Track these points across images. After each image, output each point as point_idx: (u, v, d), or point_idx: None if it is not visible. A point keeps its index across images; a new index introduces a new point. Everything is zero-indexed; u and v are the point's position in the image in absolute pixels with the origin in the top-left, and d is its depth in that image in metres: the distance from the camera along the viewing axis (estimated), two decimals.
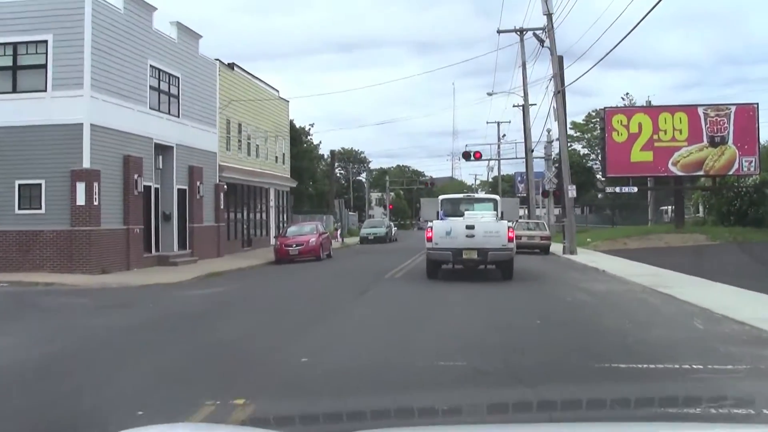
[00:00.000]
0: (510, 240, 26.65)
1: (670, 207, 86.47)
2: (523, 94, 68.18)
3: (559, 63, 45.25)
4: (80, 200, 31.67)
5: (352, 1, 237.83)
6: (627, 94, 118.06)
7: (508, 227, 26.81)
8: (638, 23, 31.36)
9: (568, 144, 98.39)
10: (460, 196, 32.63)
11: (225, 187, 47.10)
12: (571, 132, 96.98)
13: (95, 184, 32.00)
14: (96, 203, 32.05)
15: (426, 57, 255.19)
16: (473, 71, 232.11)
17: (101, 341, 14.63)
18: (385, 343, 13.63)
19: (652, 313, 18.20)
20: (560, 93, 44.72)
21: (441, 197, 30.93)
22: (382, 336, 14.52)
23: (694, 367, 10.90)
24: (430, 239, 27.02)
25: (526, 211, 70.64)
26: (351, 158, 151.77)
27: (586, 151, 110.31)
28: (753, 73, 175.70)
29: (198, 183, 42.25)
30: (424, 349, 12.79)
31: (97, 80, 32.58)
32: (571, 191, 44.33)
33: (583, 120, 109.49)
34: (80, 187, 31.66)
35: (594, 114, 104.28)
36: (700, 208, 68.26)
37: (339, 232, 72.77)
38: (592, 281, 26.91)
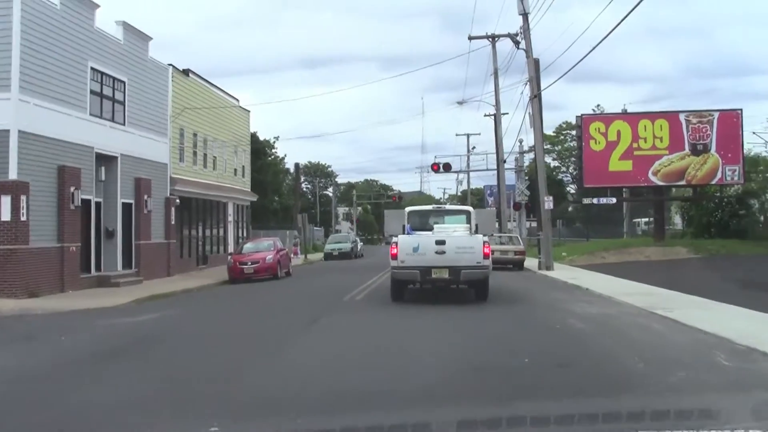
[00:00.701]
0: (486, 256, 23.69)
1: (643, 219, 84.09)
2: (495, 103, 65.49)
3: (535, 66, 42.41)
4: (5, 215, 28.35)
5: (320, 18, 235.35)
6: (598, 105, 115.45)
7: (484, 242, 23.84)
8: (606, 36, 29.62)
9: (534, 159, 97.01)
10: (429, 207, 29.84)
11: (177, 201, 43.82)
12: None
13: (23, 198, 28.68)
14: (24, 219, 28.73)
15: (395, 72, 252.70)
16: (443, 85, 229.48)
17: None
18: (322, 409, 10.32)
19: (661, 345, 15.13)
20: (537, 97, 41.87)
21: (408, 209, 27.95)
22: (321, 393, 11.07)
23: None
24: (394, 257, 24.00)
25: (497, 225, 67.67)
26: (318, 172, 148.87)
27: (556, 163, 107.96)
28: (721, 86, 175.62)
29: (146, 197, 38.92)
30: (370, 405, 9.71)
31: (28, 82, 29.30)
32: (548, 202, 41.50)
33: (554, 132, 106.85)
34: (5, 201, 28.32)
35: (565, 126, 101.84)
36: (679, 220, 65.43)
37: (298, 248, 69.57)
38: (578, 302, 23.91)
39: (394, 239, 24.57)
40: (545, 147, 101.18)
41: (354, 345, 15.82)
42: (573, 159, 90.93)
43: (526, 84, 44.30)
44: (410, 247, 23.83)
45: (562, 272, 38.72)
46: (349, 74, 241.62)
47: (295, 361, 13.79)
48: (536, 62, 42.87)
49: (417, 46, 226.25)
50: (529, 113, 43.04)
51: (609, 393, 10.23)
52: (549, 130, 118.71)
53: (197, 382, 11.90)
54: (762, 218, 57.76)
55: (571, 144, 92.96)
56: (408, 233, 25.04)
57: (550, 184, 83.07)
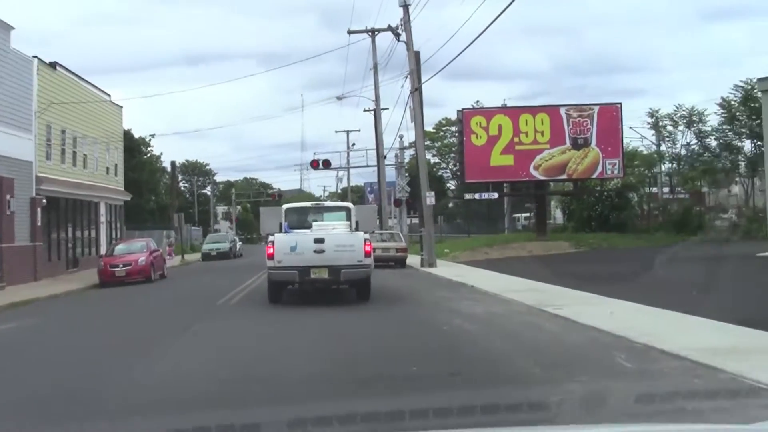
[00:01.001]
0: (367, 254, 22.74)
1: (522, 214, 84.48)
2: (374, 98, 64.52)
3: (415, 58, 41.53)
4: None
5: (198, 15, 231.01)
6: (477, 101, 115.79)
7: (365, 240, 22.87)
8: (482, 32, 29.33)
9: (415, 155, 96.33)
10: (308, 204, 28.68)
11: (44, 201, 41.54)
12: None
13: None
14: None
15: (274, 70, 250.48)
16: (323, 83, 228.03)
17: None
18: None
19: (556, 345, 14.27)
20: (417, 90, 40.99)
21: (285, 206, 26.85)
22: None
23: None
24: (271, 256, 22.78)
25: (378, 222, 66.78)
26: (196, 171, 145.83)
27: (436, 159, 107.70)
28: (593, 83, 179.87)
29: (8, 197, 36.67)
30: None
31: None
32: (430, 198, 40.70)
33: (434, 128, 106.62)
34: None
35: (445, 122, 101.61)
36: (560, 214, 65.70)
37: (172, 248, 67.53)
38: (464, 300, 23.04)
39: (271, 238, 23.46)
40: (426, 143, 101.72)
41: (222, 356, 14.50)
42: (453, 155, 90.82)
43: (406, 77, 43.43)
44: (287, 246, 22.73)
45: (446, 269, 37.95)
46: (229, 72, 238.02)
47: (161, 378, 12.42)
48: (417, 55, 42.00)
49: (297, 43, 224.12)
50: (410, 107, 42.16)
51: (509, 409, 9.12)
52: (429, 127, 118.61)
53: (46, 405, 10.49)
54: (640, 211, 58.17)
55: (451, 140, 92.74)
56: (285, 232, 23.95)
57: (430, 180, 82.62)
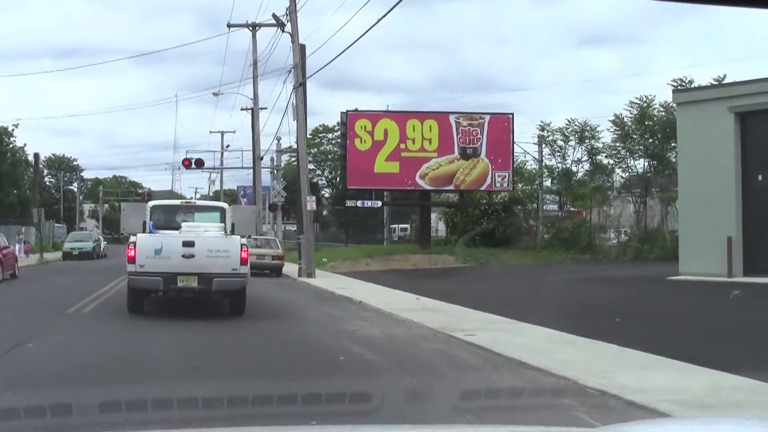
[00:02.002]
0: (243, 262, 20.33)
1: (399, 225, 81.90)
2: (253, 96, 61.17)
3: (301, 52, 38.37)
4: None
5: (73, 8, 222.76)
6: (356, 109, 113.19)
7: (242, 245, 20.47)
8: (358, 39, 27.88)
9: (292, 159, 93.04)
10: (177, 202, 26.75)
11: None
12: (295, 146, 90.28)
13: None
14: None
15: (148, 68, 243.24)
16: (199, 84, 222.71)
17: None
18: None
19: (490, 389, 11.18)
20: (302, 86, 37.85)
21: (151, 203, 23.68)
22: None
23: None
24: (132, 260, 20.08)
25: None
26: (63, 166, 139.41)
27: (312, 166, 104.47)
28: (467, 100, 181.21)
29: None
30: None
31: None
32: (310, 203, 37.66)
33: (310, 135, 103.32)
34: None
35: (321, 129, 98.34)
36: (442, 226, 63.00)
37: (28, 246, 62.81)
38: (355, 319, 19.98)
39: (133, 239, 20.59)
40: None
41: (46, 383, 11.06)
42: (329, 163, 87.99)
43: (289, 72, 40.35)
44: (151, 248, 20.12)
45: (327, 280, 34.96)
46: (103, 67, 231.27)
47: None
48: (302, 48, 38.84)
49: (173, 42, 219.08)
50: (293, 104, 38.97)
51: None
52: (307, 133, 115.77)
53: None
54: (527, 227, 56.06)
55: (327, 147, 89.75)
56: (150, 232, 20.98)
57: None
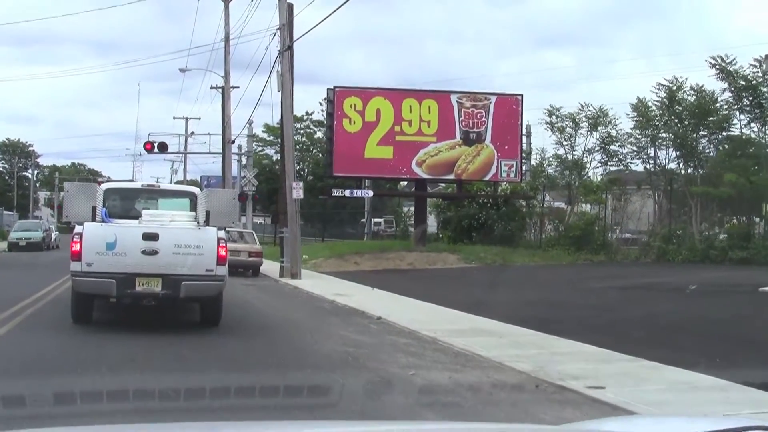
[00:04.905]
0: (221, 261, 15.94)
1: (375, 219, 76.10)
2: (224, 73, 55.10)
3: (288, 11, 32.41)
4: None
5: None
6: (320, 102, 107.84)
7: (219, 240, 16.07)
8: (311, 29, 23.75)
9: (260, 148, 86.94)
10: (137, 185, 21.65)
11: None
12: (264, 136, 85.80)
13: None
14: None
15: (107, 58, 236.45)
16: (162, 75, 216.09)
17: None
18: None
19: None
20: (289, 50, 31.79)
21: (104, 185, 19.23)
22: None
23: None
24: (77, 255, 15.55)
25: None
26: (17, 151, 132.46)
27: (279, 156, 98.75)
28: None
29: None
30: None
31: None
32: (297, 189, 31.73)
33: (277, 123, 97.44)
34: None
35: (293, 118, 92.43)
36: (433, 221, 56.87)
37: None
38: (392, 351, 13.73)
39: (78, 229, 16.01)
40: (269, 139, 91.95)
41: None
42: (297, 153, 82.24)
43: (274, 35, 34.12)
44: (102, 241, 15.69)
45: (316, 283, 29.18)
46: (59, 57, 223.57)
47: None
48: (290, 7, 32.88)
49: (134, 32, 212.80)
50: (278, 72, 32.87)
51: None
52: (275, 123, 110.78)
53: None
54: (532, 224, 50.28)
55: (296, 137, 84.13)
56: (102, 221, 16.62)
57: (273, 178, 73.50)
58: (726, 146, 44.90)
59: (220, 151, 58.82)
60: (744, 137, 44.47)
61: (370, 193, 46.84)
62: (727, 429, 3.17)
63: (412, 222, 51.12)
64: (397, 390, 10.32)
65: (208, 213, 17.09)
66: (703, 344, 14.22)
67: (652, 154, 47.52)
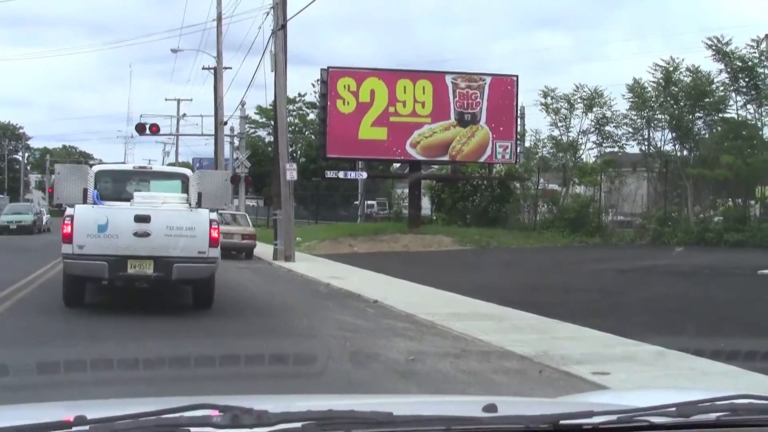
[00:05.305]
0: (213, 243, 15.94)
1: (367, 201, 75.79)
2: (216, 54, 54.83)
3: None
4: None
5: None
6: (313, 84, 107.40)
7: (211, 221, 16.10)
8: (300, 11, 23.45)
9: (253, 130, 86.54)
10: (129, 167, 22.23)
11: None
12: (256, 117, 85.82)
13: None
14: None
15: (99, 38, 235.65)
16: (154, 57, 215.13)
17: None
18: None
19: None
20: (283, 29, 31.37)
21: (96, 168, 19.75)
22: None
23: None
24: (68, 238, 15.54)
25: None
26: (8, 133, 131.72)
27: (272, 138, 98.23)
28: None
29: None
30: None
31: None
32: (290, 171, 31.33)
33: (270, 105, 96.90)
34: None
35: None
36: (427, 203, 56.56)
37: None
38: (390, 335, 13.44)
39: (70, 211, 16.05)
40: (261, 120, 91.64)
41: None
42: (290, 135, 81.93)
43: (267, 14, 33.72)
44: (94, 224, 15.66)
45: (310, 265, 28.87)
46: (51, 38, 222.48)
47: None
48: None
49: (126, 13, 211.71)
50: (271, 51, 32.47)
51: None
52: (267, 105, 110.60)
53: None
54: (526, 206, 50.02)
55: (288, 120, 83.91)
56: (94, 203, 16.63)
57: (265, 160, 73.25)
58: (719, 128, 44.72)
59: (213, 132, 58.66)
60: (740, 119, 44.25)
61: (364, 175, 46.49)
62: (716, 397, 3.08)
63: (406, 204, 50.90)
64: (397, 377, 10.06)
65: (200, 195, 17.04)
66: (707, 328, 13.92)
67: (647, 136, 47.31)
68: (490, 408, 2.98)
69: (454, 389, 9.37)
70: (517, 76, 43.79)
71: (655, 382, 9.72)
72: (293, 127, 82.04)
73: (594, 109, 47.88)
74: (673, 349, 11.53)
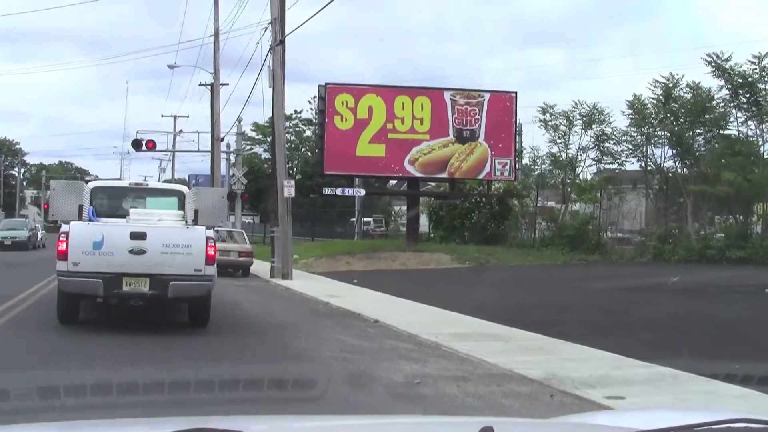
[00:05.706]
0: (210, 261, 15.78)
1: (364, 218, 75.58)
2: (213, 70, 54.47)
3: (280, 4, 31.70)
4: None
5: None
6: (309, 101, 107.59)
7: (207, 239, 15.90)
8: (298, 27, 23.86)
9: (249, 147, 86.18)
10: (124, 184, 22.41)
11: None
12: (253, 134, 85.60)
13: None
14: None
15: (96, 55, 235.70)
16: (150, 73, 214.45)
17: None
18: None
19: None
20: (281, 44, 31.10)
21: (92, 184, 18.90)
22: None
23: None
24: (63, 255, 15.31)
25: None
26: (4, 149, 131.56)
27: (268, 155, 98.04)
28: None
29: None
30: None
31: None
32: (288, 188, 31.02)
33: (266, 121, 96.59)
34: None
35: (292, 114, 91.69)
36: (425, 220, 56.29)
37: None
38: (394, 357, 13.12)
39: (65, 227, 15.76)
40: (257, 137, 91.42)
41: None
42: (287, 152, 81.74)
43: (265, 30, 33.47)
44: (89, 240, 15.45)
45: (308, 283, 28.60)
46: (46, 54, 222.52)
47: None
48: (282, 0, 32.20)
49: (122, 29, 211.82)
50: (269, 67, 32.21)
51: None
52: (262, 122, 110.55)
53: None
54: (524, 223, 49.76)
55: (285, 136, 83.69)
56: (89, 219, 16.45)
57: (261, 176, 73.05)
58: (717, 144, 44.55)
59: (209, 149, 58.19)
60: (741, 137, 44.09)
61: (362, 192, 46.24)
62: (710, 422, 3.20)
63: (404, 221, 50.59)
64: (403, 401, 9.70)
65: (196, 212, 16.82)
66: (718, 349, 13.62)
67: (647, 152, 47.10)
68: (487, 431, 3.04)
69: (462, 415, 9.01)
70: (515, 93, 43.68)
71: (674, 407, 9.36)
72: (290, 144, 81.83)
73: (593, 126, 47.68)
74: (686, 371, 11.19)
